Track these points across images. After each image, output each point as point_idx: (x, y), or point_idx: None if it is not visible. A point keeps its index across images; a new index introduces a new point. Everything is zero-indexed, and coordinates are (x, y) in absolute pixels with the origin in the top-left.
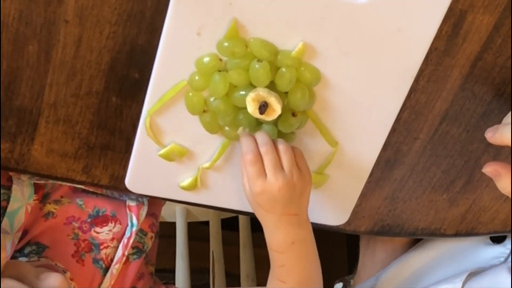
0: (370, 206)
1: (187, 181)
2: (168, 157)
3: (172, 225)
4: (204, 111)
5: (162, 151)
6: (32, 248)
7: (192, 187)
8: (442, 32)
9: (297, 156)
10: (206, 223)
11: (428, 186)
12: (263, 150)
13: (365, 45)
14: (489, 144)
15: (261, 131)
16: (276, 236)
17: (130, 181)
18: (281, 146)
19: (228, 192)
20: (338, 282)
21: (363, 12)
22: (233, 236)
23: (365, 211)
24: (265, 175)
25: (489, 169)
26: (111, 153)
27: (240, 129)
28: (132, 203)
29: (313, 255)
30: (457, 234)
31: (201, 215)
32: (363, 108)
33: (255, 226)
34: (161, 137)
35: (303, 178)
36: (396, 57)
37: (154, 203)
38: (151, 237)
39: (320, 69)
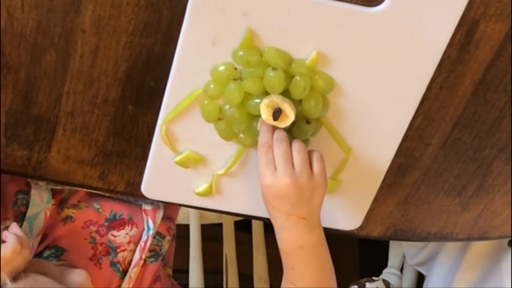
0: (382, 211)
1: (202, 187)
2: (183, 164)
3: (186, 227)
4: (219, 119)
5: (178, 158)
6: (51, 251)
7: (207, 193)
8: (455, 40)
9: (314, 159)
10: (219, 225)
11: (441, 191)
12: (276, 144)
13: (378, 53)
14: (501, 150)
15: (281, 129)
16: (285, 237)
17: (146, 188)
18: (296, 145)
19: (243, 198)
20: (353, 285)
21: (376, 21)
22: (247, 236)
23: (378, 216)
24: (275, 168)
25: None
26: (127, 160)
27: (260, 119)
28: (147, 207)
29: (325, 261)
30: (469, 238)
31: (214, 218)
32: (376, 115)
33: (268, 227)
34: (177, 145)
35: (313, 181)
36: (409, 65)
37: (171, 207)
38: (168, 240)
39: (333, 77)
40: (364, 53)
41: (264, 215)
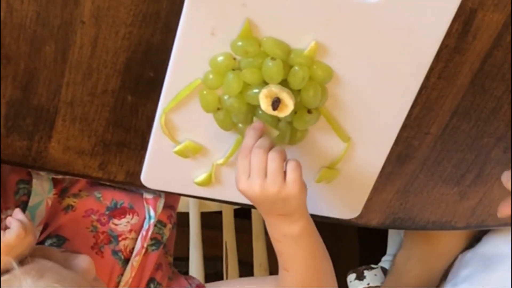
0: (381, 200)
1: (201, 177)
2: (182, 153)
3: (186, 215)
4: (218, 109)
5: (177, 148)
6: (52, 240)
7: (207, 182)
8: (453, 30)
9: (289, 169)
10: (219, 213)
11: (439, 180)
12: (254, 151)
13: (376, 43)
14: (500, 139)
15: (267, 137)
16: (268, 226)
17: (146, 177)
18: (272, 154)
19: None
20: (351, 273)
21: (374, 11)
22: (246, 224)
23: (377, 204)
24: (249, 175)
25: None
26: (127, 150)
27: (254, 119)
28: (149, 196)
29: (314, 249)
30: (468, 227)
31: (214, 206)
32: (375, 104)
33: None
34: (176, 134)
35: (284, 190)
36: (407, 55)
37: (171, 195)
38: (169, 229)
39: (332, 67)
40: (362, 43)
41: None
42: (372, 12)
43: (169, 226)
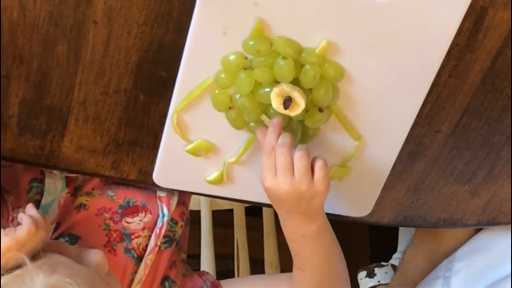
0: (392, 197)
1: (213, 175)
2: (194, 152)
3: (197, 213)
4: (229, 108)
5: (189, 146)
6: (65, 239)
7: (218, 181)
8: (464, 28)
9: (317, 167)
10: (230, 211)
11: (450, 177)
12: (279, 150)
13: (387, 42)
14: (510, 137)
15: (287, 134)
16: (287, 226)
17: (158, 176)
18: (298, 153)
19: (253, 186)
20: (362, 270)
21: (385, 9)
22: (257, 222)
23: (388, 202)
24: (275, 172)
25: None
26: (139, 149)
27: (263, 118)
28: (162, 194)
29: (330, 248)
30: (479, 224)
31: (225, 204)
32: (386, 103)
33: None
34: (188, 133)
35: (313, 188)
36: (418, 53)
37: (184, 192)
38: (182, 226)
39: (343, 65)
40: (373, 41)
41: None
42: (383, 11)
43: (181, 223)
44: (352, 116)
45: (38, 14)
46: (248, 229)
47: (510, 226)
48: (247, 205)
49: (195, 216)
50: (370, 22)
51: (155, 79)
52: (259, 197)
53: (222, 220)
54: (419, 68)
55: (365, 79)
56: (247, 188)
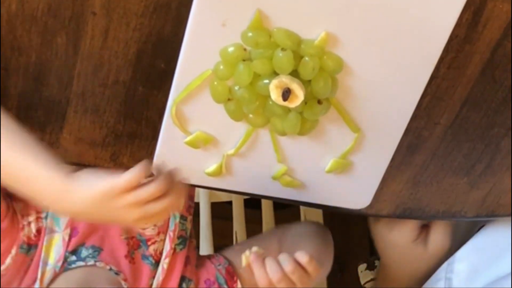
0: (391, 190)
1: (212, 167)
2: (193, 144)
3: (196, 205)
4: (228, 100)
5: (188, 138)
6: (88, 252)
7: (217, 173)
8: (463, 20)
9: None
10: (229, 203)
11: (449, 170)
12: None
13: (386, 33)
14: (510, 129)
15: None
16: None
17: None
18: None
19: (252, 178)
20: (362, 263)
21: (384, 1)
22: (256, 214)
23: (387, 195)
24: None
25: None
26: (138, 141)
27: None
28: None
29: None
30: (478, 217)
31: (224, 196)
32: (385, 95)
33: (278, 205)
34: (187, 125)
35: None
36: (417, 45)
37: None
38: (190, 220)
39: (342, 57)
40: (372, 33)
41: (274, 194)
42: (382, 2)
43: (190, 218)
44: (351, 108)
45: (37, 6)
46: (247, 221)
47: (510, 222)
48: (246, 197)
49: (194, 208)
50: (369, 14)
51: (154, 71)
52: (258, 189)
53: (221, 212)
54: (418, 60)
55: (364, 71)
56: (246, 180)
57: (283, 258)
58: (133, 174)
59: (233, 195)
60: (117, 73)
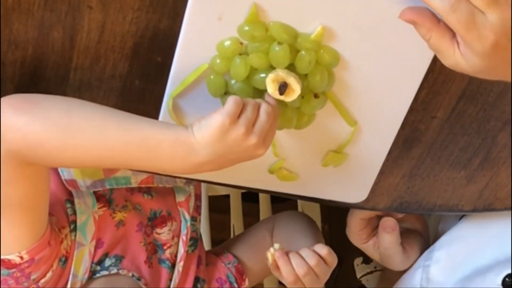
0: (388, 183)
1: None
2: None
3: None
4: (225, 93)
5: None
6: (111, 261)
7: None
8: None
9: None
10: (227, 196)
11: (446, 163)
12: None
13: (383, 27)
14: (506, 122)
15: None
16: None
17: None
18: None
19: (248, 171)
20: (358, 257)
21: None
22: (254, 207)
23: (384, 188)
24: None
25: (403, 17)
26: None
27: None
28: (181, 199)
29: None
30: (475, 210)
31: (221, 189)
32: (382, 89)
33: (275, 198)
34: (183, 119)
35: None
36: (414, 38)
37: (196, 184)
38: (200, 219)
39: (339, 51)
40: (369, 27)
41: (270, 188)
42: None
43: (199, 217)
44: (347, 102)
45: (33, 0)
46: (244, 215)
47: (492, 214)
48: (243, 190)
49: None
50: (366, 8)
51: (151, 65)
52: (256, 183)
53: (219, 206)
54: (415, 53)
55: (361, 64)
56: (244, 173)
57: (306, 252)
58: (233, 101)
59: (231, 189)
60: (113, 67)
